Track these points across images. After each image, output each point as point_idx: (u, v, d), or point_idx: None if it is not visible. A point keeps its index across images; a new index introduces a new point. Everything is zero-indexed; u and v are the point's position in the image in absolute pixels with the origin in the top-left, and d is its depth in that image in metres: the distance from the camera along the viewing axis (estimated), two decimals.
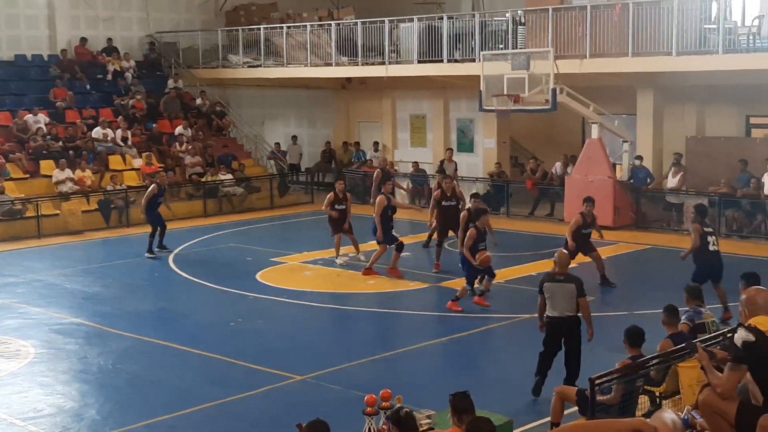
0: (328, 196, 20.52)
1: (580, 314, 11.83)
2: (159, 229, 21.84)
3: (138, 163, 28.26)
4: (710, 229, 15.58)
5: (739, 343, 6.69)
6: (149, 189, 22.24)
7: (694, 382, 8.67)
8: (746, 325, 6.80)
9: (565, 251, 12.98)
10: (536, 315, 12.23)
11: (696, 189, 24.08)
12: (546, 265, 19.54)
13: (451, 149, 28.60)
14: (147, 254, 21.58)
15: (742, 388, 7.01)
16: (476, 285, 16.72)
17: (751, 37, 22.25)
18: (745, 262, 19.12)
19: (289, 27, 31.54)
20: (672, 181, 24.31)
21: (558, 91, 23.25)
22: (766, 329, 6.66)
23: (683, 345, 9.11)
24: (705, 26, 22.80)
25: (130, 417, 11.56)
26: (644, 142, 25.91)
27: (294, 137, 34.34)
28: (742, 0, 23.34)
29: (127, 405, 12.08)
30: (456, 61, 27.14)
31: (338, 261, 20.38)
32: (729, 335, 8.54)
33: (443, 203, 19.86)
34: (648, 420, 6.50)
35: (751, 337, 6.62)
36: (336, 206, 20.15)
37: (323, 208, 20.47)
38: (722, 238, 21.64)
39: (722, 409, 6.85)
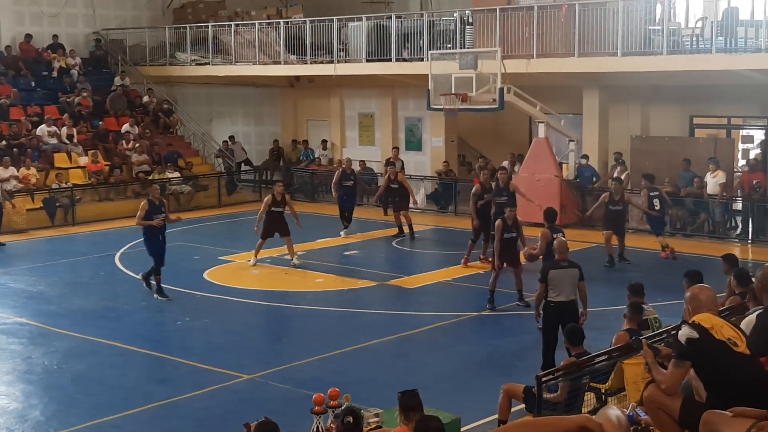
0: (265, 199, 20.42)
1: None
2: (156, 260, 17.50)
3: (84, 161, 27.94)
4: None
5: (682, 340, 6.77)
6: (140, 206, 17.63)
7: (639, 379, 8.76)
8: (690, 322, 6.89)
9: (563, 239, 13.30)
10: (484, 312, 12.32)
11: (640, 188, 24.32)
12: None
13: (397, 148, 28.98)
14: (156, 295, 17.44)
15: (685, 384, 7.11)
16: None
17: (694, 39, 22.56)
18: (688, 259, 19.41)
19: (237, 25, 31.40)
20: None
21: (505, 91, 23.38)
22: (709, 326, 6.75)
23: (628, 342, 9.22)
24: (649, 27, 23.07)
25: (75, 417, 11.44)
26: (590, 141, 26.17)
27: (231, 137, 33.92)
28: (686, 2, 23.69)
29: (71, 405, 11.96)
30: (404, 60, 27.19)
31: (251, 262, 20.17)
32: (672, 332, 8.65)
33: (391, 185, 23.05)
34: (593, 417, 6.55)
35: (695, 334, 6.70)
36: (273, 208, 19.93)
37: (259, 215, 20.13)
38: (666, 237, 21.97)
39: (666, 405, 6.93)
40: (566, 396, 9.24)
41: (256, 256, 20.24)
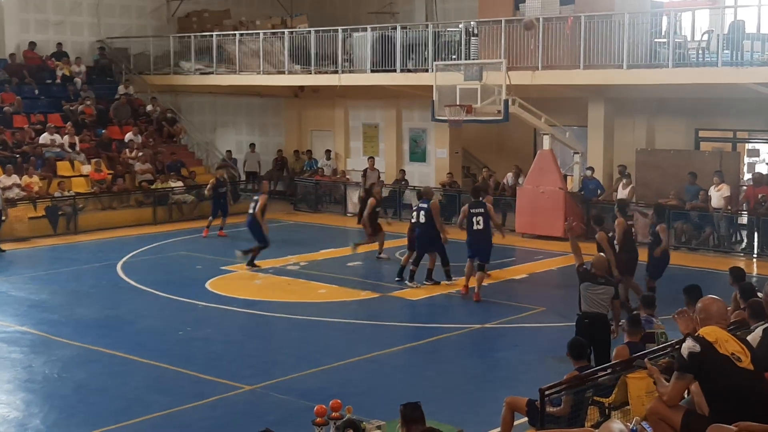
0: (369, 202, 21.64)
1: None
2: None
3: (87, 169, 27.93)
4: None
5: (685, 353, 6.74)
6: None
7: (642, 393, 8.73)
8: (694, 335, 6.85)
9: (603, 254, 13.32)
10: (487, 325, 12.21)
11: (645, 201, 24.31)
12: (497, 275, 19.70)
13: (372, 158, 29.44)
14: None
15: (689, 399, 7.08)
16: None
17: (700, 52, 22.52)
18: (693, 273, 19.35)
19: (242, 34, 31.39)
20: (622, 193, 24.47)
21: (510, 102, 23.36)
22: (714, 340, 6.71)
23: (629, 359, 9.19)
24: (655, 40, 23.03)
25: (76, 426, 11.39)
26: (595, 153, 26.12)
27: (252, 145, 34.21)
28: (692, 15, 23.65)
29: (72, 414, 11.89)
30: (409, 71, 27.15)
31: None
32: (677, 346, 8.60)
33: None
34: (597, 431, 6.51)
35: (697, 348, 6.67)
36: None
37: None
38: (671, 250, 21.85)
39: (668, 417, 6.90)
40: (569, 410, 9.17)
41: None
